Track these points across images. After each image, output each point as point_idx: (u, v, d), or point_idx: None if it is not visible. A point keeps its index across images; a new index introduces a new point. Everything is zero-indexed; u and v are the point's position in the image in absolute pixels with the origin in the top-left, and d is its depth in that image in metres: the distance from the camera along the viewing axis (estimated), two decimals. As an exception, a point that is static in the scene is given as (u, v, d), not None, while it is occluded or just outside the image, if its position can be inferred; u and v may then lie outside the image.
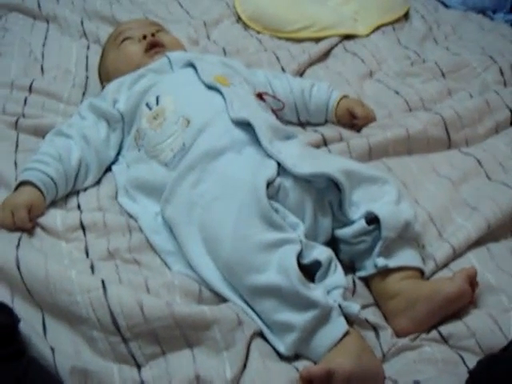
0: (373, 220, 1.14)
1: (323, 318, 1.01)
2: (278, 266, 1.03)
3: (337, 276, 1.08)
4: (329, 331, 1.01)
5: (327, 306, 1.01)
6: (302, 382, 0.95)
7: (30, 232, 1.17)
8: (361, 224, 1.14)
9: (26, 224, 1.16)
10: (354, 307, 1.04)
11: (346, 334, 1.01)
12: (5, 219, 1.16)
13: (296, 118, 1.58)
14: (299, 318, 1.01)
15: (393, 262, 1.12)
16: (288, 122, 1.56)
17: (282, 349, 1.02)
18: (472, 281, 1.08)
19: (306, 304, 1.01)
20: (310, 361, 1.02)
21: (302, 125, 1.58)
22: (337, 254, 1.17)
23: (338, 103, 1.53)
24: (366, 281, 1.16)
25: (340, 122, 1.55)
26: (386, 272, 1.12)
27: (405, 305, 1.08)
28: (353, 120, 1.52)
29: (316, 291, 1.02)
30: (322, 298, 1.01)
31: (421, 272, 1.15)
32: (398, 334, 1.09)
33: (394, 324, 1.10)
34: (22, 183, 1.22)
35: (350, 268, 1.18)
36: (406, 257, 1.14)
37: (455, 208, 1.29)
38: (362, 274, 1.16)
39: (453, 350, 1.04)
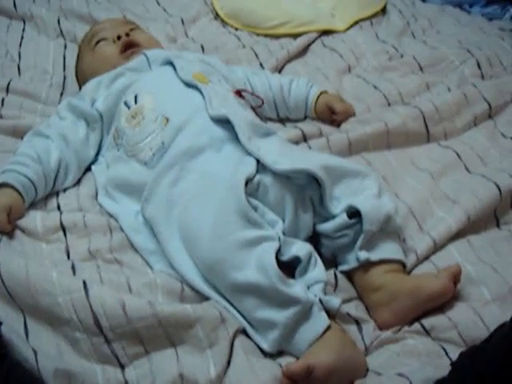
0: (354, 214, 1.14)
1: (304, 314, 1.01)
2: (257, 263, 1.03)
3: (317, 271, 1.08)
4: (310, 327, 1.01)
5: (308, 301, 1.01)
6: (284, 380, 0.95)
7: (9, 234, 1.16)
8: (342, 218, 1.15)
9: (6, 226, 1.15)
10: (334, 301, 1.04)
11: (328, 328, 1.01)
12: None
13: (275, 114, 1.58)
14: (280, 316, 1.01)
15: (375, 255, 1.13)
16: (268, 119, 1.57)
17: (265, 346, 1.02)
18: (456, 278, 1.08)
19: (286, 301, 1.01)
20: (293, 357, 1.02)
21: (282, 121, 1.58)
22: (318, 249, 1.17)
23: (317, 99, 1.54)
24: (349, 275, 1.16)
25: (319, 118, 1.55)
26: (368, 265, 1.13)
27: (388, 298, 1.09)
28: (332, 115, 1.53)
29: (296, 287, 1.02)
30: (302, 293, 1.01)
31: (403, 265, 1.15)
32: (381, 327, 1.09)
33: (376, 316, 1.10)
34: (1, 186, 1.21)
35: (331, 262, 1.18)
36: (388, 250, 1.14)
37: (435, 201, 1.30)
38: (345, 267, 1.16)
39: (435, 342, 1.04)
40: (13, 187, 1.20)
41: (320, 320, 1.02)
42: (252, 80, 1.56)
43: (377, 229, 1.13)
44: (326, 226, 1.17)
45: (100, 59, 1.51)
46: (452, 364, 0.92)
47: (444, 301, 1.08)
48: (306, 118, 1.57)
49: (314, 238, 1.20)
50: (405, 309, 1.08)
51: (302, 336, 1.01)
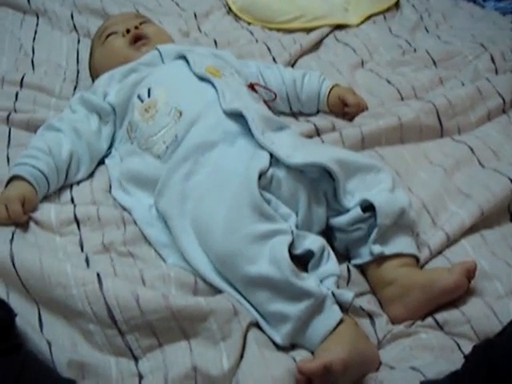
0: (368, 208, 1.14)
1: (317, 307, 1.01)
2: (270, 257, 1.03)
3: (330, 264, 1.08)
4: (323, 320, 1.01)
5: (321, 294, 1.01)
6: (300, 376, 0.94)
7: (23, 226, 1.17)
8: (356, 211, 1.14)
9: (21, 217, 1.16)
10: (347, 295, 1.04)
11: (341, 321, 1.01)
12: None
13: (288, 108, 1.58)
14: (293, 309, 1.01)
15: (388, 249, 1.12)
16: (280, 113, 1.56)
17: (277, 339, 1.02)
18: (470, 273, 1.08)
19: (299, 294, 1.01)
20: (306, 350, 1.02)
21: (295, 115, 1.58)
22: (332, 243, 1.17)
23: (330, 92, 1.54)
24: (361, 269, 1.16)
25: (332, 111, 1.55)
26: (381, 259, 1.13)
27: (400, 292, 1.09)
28: (345, 108, 1.53)
29: (309, 281, 1.02)
30: (315, 287, 1.01)
31: (416, 259, 1.15)
32: (393, 321, 1.09)
33: (388, 311, 1.10)
34: (13, 178, 1.22)
35: (344, 256, 1.18)
36: (402, 244, 1.14)
37: (449, 196, 1.29)
38: (358, 261, 1.16)
39: (448, 337, 1.04)
40: (25, 179, 1.21)
41: (333, 313, 1.01)
42: (265, 74, 1.56)
43: (391, 223, 1.12)
44: (339, 220, 1.17)
45: (109, 52, 1.52)
46: (465, 357, 0.91)
47: (457, 295, 1.08)
48: (318, 111, 1.57)
49: (328, 232, 1.20)
50: (417, 303, 1.08)
51: (315, 329, 1.01)
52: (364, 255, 1.15)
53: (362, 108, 1.54)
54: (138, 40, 1.51)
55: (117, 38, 1.53)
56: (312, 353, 1.01)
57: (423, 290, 1.07)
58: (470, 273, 1.08)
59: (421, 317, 1.08)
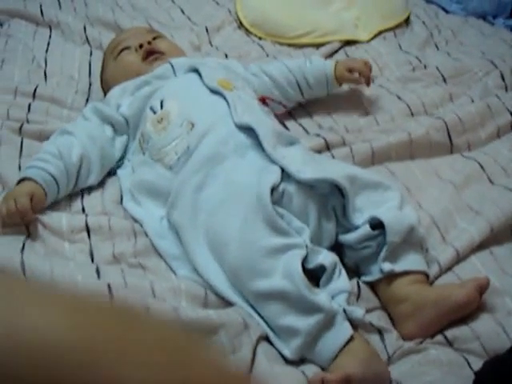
0: (377, 225, 1.14)
1: (328, 323, 1.01)
2: (284, 270, 1.03)
3: (341, 281, 1.08)
4: (333, 336, 1.01)
5: (331, 310, 1.01)
6: None
7: (33, 235, 1.17)
8: (365, 229, 1.15)
9: (28, 211, 1.16)
10: (358, 312, 1.04)
11: (351, 338, 1.01)
12: (8, 207, 1.16)
13: (300, 95, 1.59)
14: (304, 323, 1.01)
15: (398, 267, 1.12)
16: (292, 118, 1.58)
17: (287, 353, 1.03)
18: (482, 289, 1.08)
19: (310, 309, 1.01)
20: (316, 365, 1.02)
21: (305, 129, 1.58)
22: (341, 259, 1.17)
23: (336, 67, 1.56)
24: (371, 285, 1.16)
25: (341, 84, 1.59)
26: (391, 276, 1.12)
27: (412, 309, 1.08)
28: (353, 76, 1.56)
29: (320, 296, 1.03)
30: (326, 302, 1.02)
31: (426, 276, 1.15)
32: (405, 338, 1.09)
33: (401, 328, 1.10)
34: (22, 180, 1.23)
35: (354, 272, 1.18)
36: (411, 261, 1.14)
37: (458, 212, 1.30)
38: (368, 278, 1.15)
39: (458, 353, 1.04)
40: (34, 181, 1.22)
41: (343, 330, 1.02)
42: (268, 70, 1.56)
43: (400, 240, 1.13)
44: (348, 237, 1.17)
45: (122, 68, 1.53)
46: (475, 373, 0.91)
47: (469, 311, 1.08)
48: (328, 94, 1.60)
49: (338, 248, 1.20)
50: (430, 319, 1.07)
51: (325, 345, 1.01)
52: (374, 273, 1.14)
53: (369, 67, 1.57)
54: (150, 55, 1.52)
55: (130, 53, 1.53)
56: (322, 369, 1.01)
57: (435, 306, 1.07)
58: (483, 288, 1.08)
59: (432, 334, 1.08)
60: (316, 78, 1.57)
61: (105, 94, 1.58)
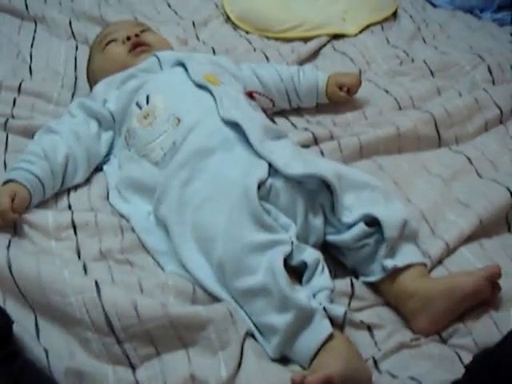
0: (370, 223, 1.13)
1: (305, 321, 1.00)
2: (267, 266, 1.03)
3: (323, 278, 1.07)
4: (312, 334, 1.00)
5: (309, 308, 1.00)
6: None
7: (20, 232, 1.16)
8: (360, 227, 1.13)
9: (8, 211, 1.14)
10: (339, 310, 1.02)
11: (332, 337, 0.99)
12: None
13: (287, 104, 1.60)
14: (281, 320, 1.00)
15: (400, 262, 1.11)
16: (278, 115, 1.58)
17: (269, 351, 1.02)
18: (493, 277, 1.06)
19: (288, 305, 1.00)
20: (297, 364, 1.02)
21: (293, 123, 1.57)
22: (340, 262, 1.18)
23: (327, 84, 1.57)
24: (372, 285, 1.14)
25: (331, 100, 1.59)
26: (394, 273, 1.11)
27: (422, 304, 1.07)
28: (343, 91, 1.56)
29: (299, 293, 1.01)
30: (304, 299, 1.00)
31: (425, 267, 1.14)
32: (419, 334, 1.07)
33: (414, 324, 1.08)
34: (7, 183, 1.21)
35: (348, 271, 1.18)
36: (411, 254, 1.14)
37: (447, 205, 1.30)
38: (371, 279, 1.13)
39: (450, 348, 1.04)
40: (19, 183, 1.20)
41: (322, 328, 1.00)
42: (260, 74, 1.56)
43: (397, 235, 1.12)
44: (344, 237, 1.15)
45: (109, 59, 1.52)
46: (466, 366, 0.91)
47: (480, 300, 1.07)
48: (317, 105, 1.60)
49: (333, 250, 1.20)
50: (440, 312, 1.06)
51: (304, 343, 1.00)
52: (376, 272, 1.13)
53: (358, 80, 1.59)
54: (137, 47, 1.51)
55: (117, 45, 1.52)
56: (303, 368, 1.00)
57: (444, 297, 1.05)
58: (494, 276, 1.06)
59: (444, 328, 1.07)
60: (306, 91, 1.58)
61: (90, 86, 1.57)
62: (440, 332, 1.07)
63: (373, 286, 1.14)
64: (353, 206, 1.16)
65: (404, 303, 1.10)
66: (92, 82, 1.56)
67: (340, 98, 1.58)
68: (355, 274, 1.17)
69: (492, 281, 1.07)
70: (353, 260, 1.17)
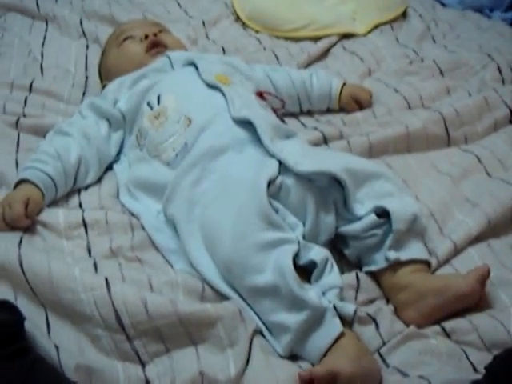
0: (381, 215, 1.14)
1: (317, 320, 1.01)
2: (275, 265, 1.03)
3: (332, 276, 1.07)
4: (323, 332, 1.00)
5: (320, 307, 1.00)
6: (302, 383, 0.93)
7: (31, 230, 1.17)
8: (371, 218, 1.14)
9: (22, 218, 1.15)
10: (349, 308, 1.03)
11: (341, 335, 1.00)
12: (2, 214, 1.16)
13: (298, 108, 1.60)
14: (293, 320, 1.01)
15: (404, 255, 1.12)
16: (288, 115, 1.58)
17: (278, 350, 1.02)
18: (484, 278, 1.08)
19: (299, 305, 1.00)
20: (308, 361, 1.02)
21: (303, 123, 1.58)
22: (342, 252, 1.18)
23: (341, 92, 1.57)
24: (373, 275, 1.16)
25: (342, 108, 1.60)
26: (395, 265, 1.12)
27: (415, 297, 1.08)
28: (356, 104, 1.58)
29: (310, 292, 1.02)
30: (315, 299, 1.01)
31: (428, 265, 1.15)
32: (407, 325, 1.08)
33: (403, 315, 1.10)
34: (20, 182, 1.22)
35: (353, 265, 1.19)
36: (416, 250, 1.15)
37: (456, 204, 1.30)
38: (372, 268, 1.15)
39: (456, 345, 1.04)
40: (32, 183, 1.21)
41: (333, 326, 1.00)
42: (273, 77, 1.56)
43: (405, 228, 1.13)
44: (354, 227, 1.16)
45: (125, 56, 1.52)
46: (486, 368, 0.90)
47: (471, 302, 1.08)
48: (328, 109, 1.61)
49: (338, 241, 1.20)
50: (431, 308, 1.07)
51: (315, 342, 1.01)
52: (379, 262, 1.14)
53: (370, 96, 1.60)
54: (154, 47, 1.52)
55: (134, 42, 1.53)
56: (313, 365, 1.01)
57: (438, 295, 1.07)
58: (484, 277, 1.08)
59: (432, 324, 1.08)
60: (318, 97, 1.59)
61: (101, 79, 1.58)
62: (443, 327, 1.07)
63: (377, 279, 1.16)
64: (365, 198, 1.17)
65: (396, 294, 1.11)
66: (104, 77, 1.57)
67: (351, 108, 1.59)
68: (359, 266, 1.18)
69: (483, 282, 1.08)
70: (358, 250, 1.18)
